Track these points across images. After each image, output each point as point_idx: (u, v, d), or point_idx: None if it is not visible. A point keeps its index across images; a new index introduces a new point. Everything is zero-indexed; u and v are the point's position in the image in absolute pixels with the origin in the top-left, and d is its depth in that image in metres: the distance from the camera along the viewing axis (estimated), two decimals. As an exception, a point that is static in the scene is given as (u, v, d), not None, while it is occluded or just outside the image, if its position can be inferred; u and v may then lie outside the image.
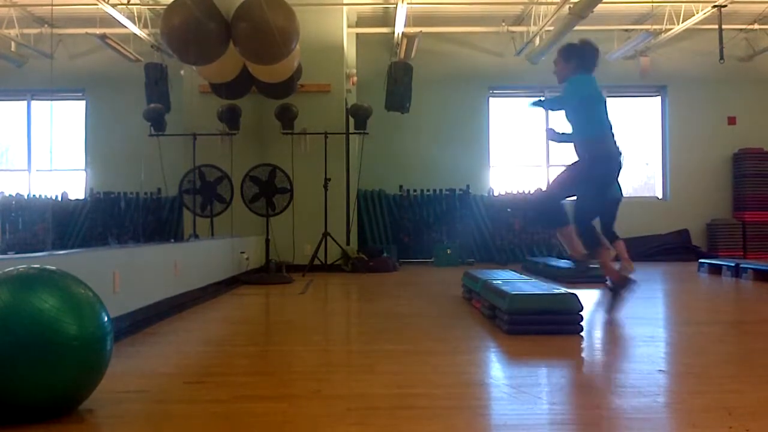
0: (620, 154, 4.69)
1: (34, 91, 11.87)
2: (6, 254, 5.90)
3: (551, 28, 9.89)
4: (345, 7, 9.95)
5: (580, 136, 4.68)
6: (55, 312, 2.24)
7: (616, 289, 4.63)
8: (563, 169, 4.89)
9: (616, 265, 5.20)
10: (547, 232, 10.55)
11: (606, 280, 4.73)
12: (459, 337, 4.04)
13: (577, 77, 4.67)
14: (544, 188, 4.99)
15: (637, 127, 12.18)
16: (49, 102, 12.19)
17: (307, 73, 8.94)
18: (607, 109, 4.73)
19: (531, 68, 11.03)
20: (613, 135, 4.68)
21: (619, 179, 7.68)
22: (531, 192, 10.88)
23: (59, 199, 10.95)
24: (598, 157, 4.61)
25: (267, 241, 8.26)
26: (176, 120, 9.49)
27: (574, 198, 4.76)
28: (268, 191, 8.14)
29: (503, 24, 10.91)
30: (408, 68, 9.87)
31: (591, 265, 4.59)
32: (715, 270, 8.21)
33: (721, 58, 9.84)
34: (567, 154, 5.17)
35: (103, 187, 11.02)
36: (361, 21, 11.16)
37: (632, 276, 4.72)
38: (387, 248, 10.00)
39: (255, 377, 3.07)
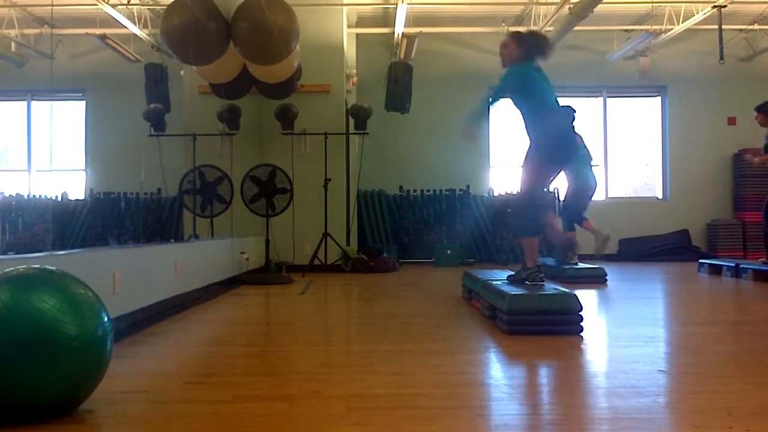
0: (570, 132, 4.78)
1: (34, 91, 11.88)
2: (6, 254, 5.89)
3: (551, 28, 9.89)
4: (345, 7, 9.95)
5: (530, 117, 4.72)
6: (55, 312, 2.24)
7: (526, 273, 4.67)
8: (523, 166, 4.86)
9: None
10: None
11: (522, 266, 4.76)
12: (459, 338, 4.04)
13: (517, 67, 4.71)
14: (518, 190, 4.98)
15: (637, 127, 12.19)
16: (49, 102, 12.20)
17: (307, 73, 8.95)
18: (554, 93, 4.76)
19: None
20: (562, 115, 4.76)
21: (591, 169, 7.85)
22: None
23: (59, 199, 10.95)
24: (548, 138, 4.65)
25: (267, 241, 8.26)
26: (176, 120, 9.49)
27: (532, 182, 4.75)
28: (268, 191, 8.14)
29: (503, 24, 10.90)
30: (408, 68, 9.88)
31: (534, 279, 4.63)
32: (715, 270, 8.21)
33: (721, 58, 9.84)
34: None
35: (103, 187, 11.03)
36: (361, 21, 11.16)
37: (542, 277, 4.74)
38: (387, 248, 10.01)
39: (255, 377, 3.07)
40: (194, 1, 6.45)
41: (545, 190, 4.91)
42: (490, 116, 4.91)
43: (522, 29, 10.75)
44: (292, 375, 3.13)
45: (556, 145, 4.70)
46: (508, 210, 10.77)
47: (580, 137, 7.46)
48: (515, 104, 4.80)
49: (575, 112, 7.42)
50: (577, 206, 7.71)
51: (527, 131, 4.79)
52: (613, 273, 7.95)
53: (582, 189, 7.67)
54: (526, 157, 4.81)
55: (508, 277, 4.81)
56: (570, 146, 4.89)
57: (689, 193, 11.68)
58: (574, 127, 7.26)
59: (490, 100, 4.83)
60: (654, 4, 10.14)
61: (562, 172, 7.36)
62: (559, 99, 4.90)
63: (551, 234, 5.05)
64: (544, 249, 10.49)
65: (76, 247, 8.98)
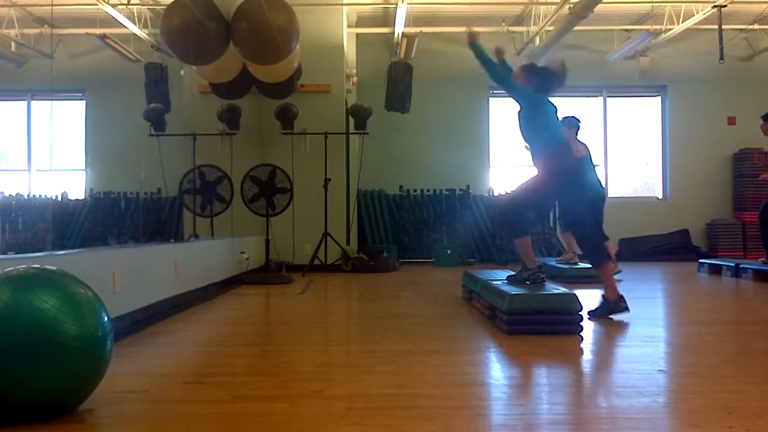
0: (574, 167, 4.77)
1: (34, 91, 11.88)
2: (6, 254, 5.90)
3: (551, 28, 9.89)
4: (345, 7, 9.95)
5: (539, 151, 4.69)
6: (55, 312, 2.24)
7: (608, 307, 4.57)
8: (528, 177, 4.85)
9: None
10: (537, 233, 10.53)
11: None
12: (459, 337, 4.04)
13: (534, 95, 4.69)
14: (510, 192, 4.97)
15: (637, 127, 12.19)
16: (49, 102, 12.19)
17: (307, 73, 8.95)
18: (560, 126, 4.81)
19: (531, 68, 11.01)
20: (567, 147, 4.75)
21: (598, 178, 7.77)
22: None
23: (59, 199, 10.95)
24: (556, 172, 4.62)
25: (267, 241, 8.26)
26: (176, 120, 9.49)
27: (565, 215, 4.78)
28: (268, 191, 8.14)
29: (503, 24, 10.91)
30: (408, 68, 9.87)
31: (535, 279, 4.63)
32: (715, 270, 8.21)
33: (721, 58, 9.84)
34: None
35: (103, 187, 11.02)
36: (361, 21, 11.16)
37: (626, 305, 4.65)
38: (387, 248, 10.00)
39: (255, 377, 3.07)
40: (194, 1, 6.45)
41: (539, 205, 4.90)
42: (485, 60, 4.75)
43: (522, 28, 10.84)
44: (292, 375, 3.13)
45: (563, 177, 4.66)
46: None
47: (585, 146, 7.41)
48: (522, 121, 4.76)
49: (579, 122, 7.39)
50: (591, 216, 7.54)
51: (536, 156, 4.75)
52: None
53: (594, 199, 7.53)
54: (537, 174, 4.76)
55: (508, 277, 4.81)
56: (572, 183, 4.84)
57: (689, 193, 11.68)
58: (579, 140, 7.23)
59: (494, 66, 4.75)
60: (654, 4, 10.14)
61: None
62: (559, 106, 4.88)
63: (605, 286, 4.73)
64: (543, 249, 10.51)
65: (76, 247, 9.00)
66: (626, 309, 4.54)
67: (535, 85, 4.68)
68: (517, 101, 4.77)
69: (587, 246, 4.89)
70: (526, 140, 4.82)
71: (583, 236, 4.93)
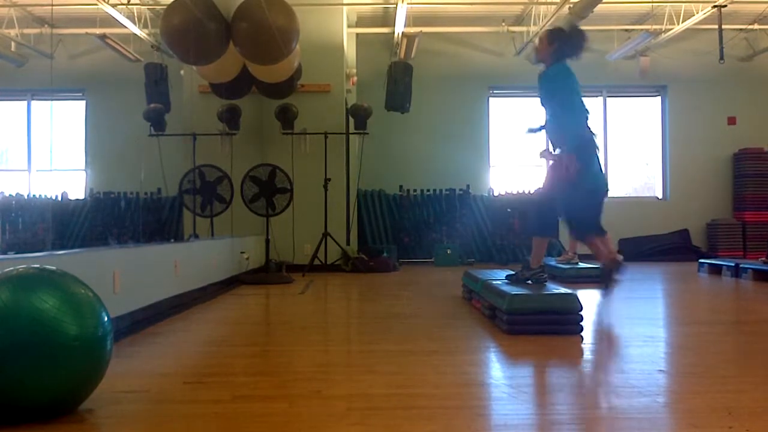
0: (593, 137, 4.80)
1: (34, 91, 11.87)
2: (6, 254, 5.89)
3: (551, 28, 9.88)
4: (345, 7, 9.95)
5: (558, 124, 4.73)
6: (55, 312, 2.24)
7: (606, 271, 4.71)
8: (549, 170, 4.85)
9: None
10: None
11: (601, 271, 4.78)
12: (459, 337, 4.04)
13: (553, 69, 4.70)
14: (539, 190, 4.95)
15: (637, 127, 12.19)
16: (49, 102, 12.19)
17: (307, 73, 8.95)
18: (581, 97, 4.79)
19: (531, 68, 10.93)
20: (587, 121, 4.77)
21: (602, 170, 7.82)
22: (531, 193, 10.87)
23: (59, 199, 10.95)
24: (577, 147, 4.65)
25: (267, 241, 8.26)
26: (176, 120, 9.49)
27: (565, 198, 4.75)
28: (268, 191, 8.14)
29: (503, 24, 10.91)
30: (408, 68, 9.87)
31: (537, 279, 4.65)
32: (715, 270, 8.21)
33: (721, 58, 9.84)
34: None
35: (103, 187, 11.02)
36: (361, 21, 11.16)
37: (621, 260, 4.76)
38: (387, 248, 10.00)
39: (255, 377, 3.07)
40: (194, 1, 6.45)
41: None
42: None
43: (522, 28, 10.84)
44: (292, 375, 3.13)
45: (588, 147, 4.69)
46: (509, 209, 10.82)
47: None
48: (546, 104, 4.77)
49: (588, 112, 7.41)
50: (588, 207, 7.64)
51: (554, 132, 4.75)
52: (613, 273, 7.93)
53: (595, 190, 7.57)
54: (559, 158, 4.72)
55: (508, 276, 4.81)
56: (595, 148, 4.90)
57: (689, 193, 11.68)
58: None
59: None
60: (654, 4, 10.14)
61: None
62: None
63: (598, 254, 4.86)
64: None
65: (76, 247, 8.99)
66: (545, 280, 4.65)
67: (554, 48, 4.67)
68: (548, 93, 4.76)
69: (540, 214, 4.80)
70: (550, 114, 4.79)
71: (547, 205, 4.79)
